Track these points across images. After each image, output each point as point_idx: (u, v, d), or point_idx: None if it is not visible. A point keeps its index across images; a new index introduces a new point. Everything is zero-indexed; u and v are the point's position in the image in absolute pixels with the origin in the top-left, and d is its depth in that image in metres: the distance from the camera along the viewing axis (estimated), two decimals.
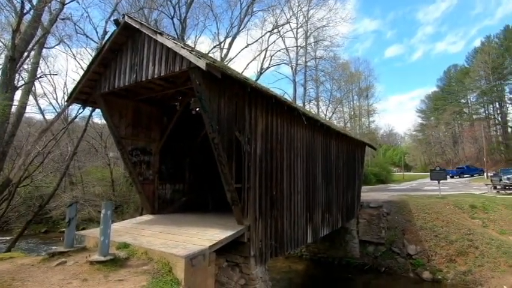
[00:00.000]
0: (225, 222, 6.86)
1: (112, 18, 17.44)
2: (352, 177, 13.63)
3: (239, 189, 6.16)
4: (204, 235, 5.76)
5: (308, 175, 9.12)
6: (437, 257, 12.44)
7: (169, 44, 5.36)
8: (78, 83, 7.00)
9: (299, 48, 30.08)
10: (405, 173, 54.51)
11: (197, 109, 9.82)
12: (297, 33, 30.09)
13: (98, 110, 14.69)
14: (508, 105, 63.55)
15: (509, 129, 62.55)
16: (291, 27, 29.23)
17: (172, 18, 19.33)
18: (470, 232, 12.88)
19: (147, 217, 7.96)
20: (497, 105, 64.78)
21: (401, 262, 12.96)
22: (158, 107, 8.73)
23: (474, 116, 68.81)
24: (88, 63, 7.35)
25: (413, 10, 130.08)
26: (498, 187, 20.31)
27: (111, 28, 18.40)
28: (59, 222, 20.67)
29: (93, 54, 18.26)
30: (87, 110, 16.34)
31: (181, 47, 5.18)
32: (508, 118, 63.23)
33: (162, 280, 4.24)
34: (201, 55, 5.28)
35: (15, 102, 13.16)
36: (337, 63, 32.96)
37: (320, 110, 34.39)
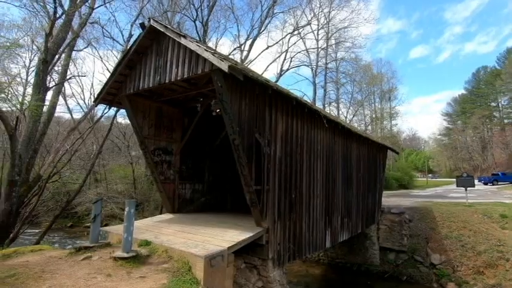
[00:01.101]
0: (243, 223, 6.88)
1: (137, 22, 18.05)
2: (373, 182, 13.28)
3: (258, 191, 6.16)
4: (223, 236, 5.80)
5: (328, 178, 8.98)
6: (464, 268, 11.85)
7: (193, 46, 5.45)
8: (105, 84, 7.27)
9: (320, 49, 29.76)
10: (429, 179, 52.45)
11: (217, 111, 9.92)
12: (317, 34, 29.81)
13: (121, 110, 15.19)
14: None
15: None
16: (311, 28, 29.01)
17: (194, 21, 19.71)
18: (500, 243, 12.18)
19: (167, 216, 8.13)
20: None
21: (424, 271, 12.45)
22: (180, 108, 8.91)
23: (505, 120, 65.22)
24: (114, 65, 7.63)
25: (440, 9, 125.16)
26: None
27: (136, 31, 19.07)
28: (84, 217, 21.56)
29: (119, 56, 18.98)
30: (112, 110, 16.97)
31: (204, 49, 5.26)
32: None
33: (181, 279, 4.31)
34: (223, 57, 5.34)
35: (47, 102, 13.87)
36: (358, 64, 32.31)
37: (340, 113, 33.84)
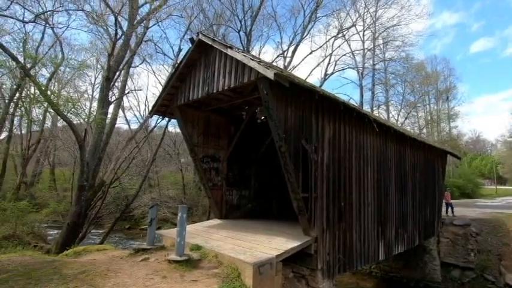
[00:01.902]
0: (291, 231, 6.77)
1: (186, 37, 19.23)
2: (431, 190, 12.17)
3: (306, 199, 6.03)
4: (270, 243, 5.77)
5: (379, 186, 8.46)
6: None
7: (239, 56, 5.61)
8: (159, 97, 7.82)
9: (366, 50, 28.53)
10: (498, 187, 46.47)
11: (262, 118, 10.05)
12: (363, 35, 28.67)
13: (172, 120, 16.10)
14: None
15: None
16: (357, 30, 28.00)
17: (238, 32, 20.34)
18: None
19: (215, 221, 8.37)
20: None
21: None
22: (226, 117, 9.19)
23: None
24: (166, 79, 8.18)
25: None
26: None
27: (185, 46, 20.30)
28: (139, 220, 23.21)
29: (170, 70, 20.35)
30: (164, 121, 18.18)
31: (250, 58, 5.37)
32: None
33: (231, 285, 4.37)
34: (268, 65, 5.39)
35: (109, 115, 15.39)
36: (410, 63, 30.15)
37: (390, 116, 31.82)
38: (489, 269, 11.60)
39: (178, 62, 7.57)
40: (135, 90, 23.42)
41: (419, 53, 69.82)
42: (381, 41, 28.87)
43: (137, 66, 21.64)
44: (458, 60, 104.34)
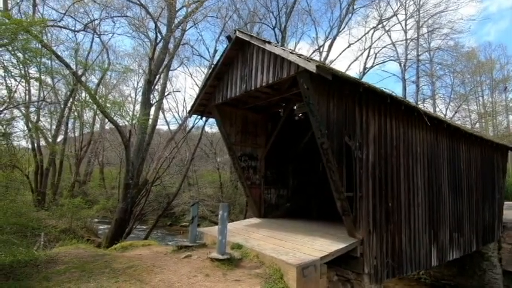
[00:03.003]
0: (334, 232, 6.47)
1: (221, 38, 19.52)
2: (489, 190, 10.97)
3: (350, 198, 5.69)
4: (313, 244, 5.54)
5: (431, 185, 7.76)
6: None
7: (278, 51, 5.44)
8: (197, 96, 7.94)
9: (409, 41, 26.69)
10: None
11: (300, 115, 9.79)
12: (405, 25, 26.81)
13: (209, 121, 16.33)
14: None
15: None
16: (398, 19, 26.28)
17: (273, 29, 20.17)
18: None
19: (255, 220, 8.30)
20: None
21: None
22: (263, 115, 9.08)
23: None
24: (204, 79, 8.29)
25: None
26: None
27: (220, 47, 20.58)
28: (180, 217, 24.12)
29: (206, 71, 20.80)
30: (201, 121, 18.62)
31: (290, 52, 5.18)
32: None
33: (274, 286, 4.23)
34: (308, 59, 5.15)
35: (150, 117, 16.14)
36: (459, 52, 27.61)
37: (438, 110, 29.43)
38: None
39: (215, 62, 7.62)
40: (173, 92, 24.36)
41: (471, 40, 63.57)
42: (425, 30, 26.83)
43: (175, 69, 22.52)
44: None
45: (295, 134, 9.75)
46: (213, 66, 7.92)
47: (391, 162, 6.55)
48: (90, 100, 11.58)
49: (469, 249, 9.45)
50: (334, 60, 24.28)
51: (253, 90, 6.44)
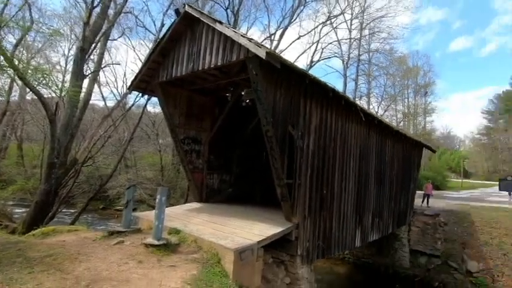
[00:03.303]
0: (274, 217, 6.71)
1: (169, 12, 18.19)
2: (406, 181, 12.57)
3: (289, 185, 5.95)
4: (252, 229, 5.67)
5: (360, 175, 8.56)
6: (505, 279, 10.96)
7: (229, 32, 5.26)
8: (139, 71, 7.31)
9: (352, 40, 28.51)
10: (464, 180, 49.33)
11: (247, 101, 9.78)
12: (351, 24, 28.52)
13: (152, 99, 15.34)
14: None
15: None
16: (345, 18, 27.78)
17: (226, 10, 19.51)
18: None
19: (196, 205, 8.16)
20: None
21: (459, 279, 11.68)
22: (210, 98, 8.83)
23: None
24: (148, 53, 7.65)
25: None
26: None
27: (168, 21, 19.21)
28: (115, 200, 22.52)
29: (151, 46, 19.28)
30: (143, 99, 17.38)
31: (241, 35, 5.05)
32: None
33: (211, 271, 4.23)
34: (259, 44, 5.09)
35: (83, 90, 14.43)
36: (393, 56, 30.56)
37: (371, 107, 32.38)
38: (453, 257, 12.32)
39: (161, 36, 7.06)
40: (112, 64, 22.05)
41: (403, 46, 71.08)
42: (367, 32, 28.94)
43: (115, 40, 20.24)
44: (438, 57, 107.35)
45: (242, 120, 9.73)
46: (158, 40, 7.32)
47: (329, 153, 6.99)
48: (4, 63, 9.78)
49: (386, 232, 10.77)
50: (284, 50, 24.68)
51: (201, 71, 6.18)
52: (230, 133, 9.48)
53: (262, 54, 4.57)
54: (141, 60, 22.52)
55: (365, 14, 27.51)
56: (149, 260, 4.26)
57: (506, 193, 16.57)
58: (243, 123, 9.77)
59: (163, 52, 6.89)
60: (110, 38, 17.30)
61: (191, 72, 6.32)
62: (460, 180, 46.47)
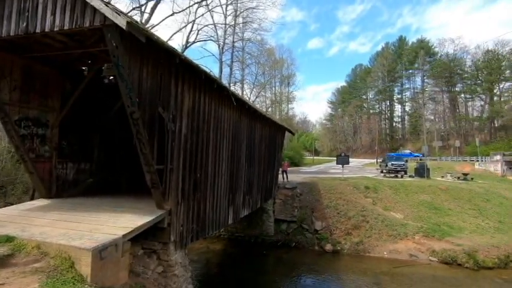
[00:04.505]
0: (142, 205, 6.24)
1: None
2: (272, 160, 14.24)
3: (160, 171, 5.62)
4: (117, 221, 5.09)
5: (233, 157, 9.05)
6: (338, 231, 14.30)
7: None
8: None
9: (227, 26, 29.20)
10: (315, 157, 60.63)
11: (111, 78, 8.51)
12: (226, 10, 29.03)
13: None
14: (395, 103, 77.20)
15: (394, 124, 76.43)
16: (220, 2, 28.01)
17: None
18: (363, 209, 15.16)
19: (41, 202, 6.61)
20: (388, 103, 77.91)
21: (309, 237, 14.42)
22: (59, 70, 7.15)
23: (371, 111, 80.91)
24: None
25: (335, 8, 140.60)
26: (384, 171, 24.33)
27: None
28: None
29: None
30: None
31: None
32: (394, 114, 77.10)
33: (60, 279, 3.54)
34: (119, 11, 4.40)
35: None
36: (263, 47, 33.42)
37: (244, 93, 34.64)
38: (305, 220, 15.05)
39: None
40: None
41: (272, 39, 78.92)
42: (241, 20, 30.27)
43: None
44: (299, 52, 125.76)
45: (105, 100, 8.41)
46: None
47: (202, 136, 7.00)
48: None
49: (255, 207, 11.98)
50: (156, 25, 22.72)
51: (40, 33, 4.84)
52: (89, 114, 8.04)
53: (122, 23, 3.96)
54: None
55: (239, 2, 28.55)
56: None
57: (341, 166, 21.37)
58: (107, 103, 8.46)
59: None
60: None
61: (25, 34, 4.87)
62: (312, 158, 56.88)
